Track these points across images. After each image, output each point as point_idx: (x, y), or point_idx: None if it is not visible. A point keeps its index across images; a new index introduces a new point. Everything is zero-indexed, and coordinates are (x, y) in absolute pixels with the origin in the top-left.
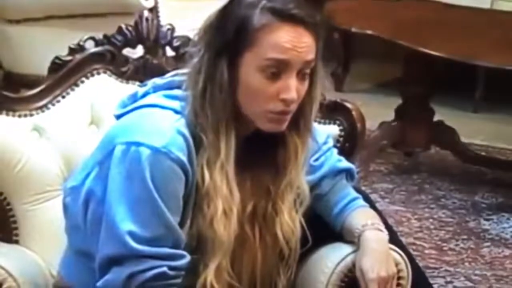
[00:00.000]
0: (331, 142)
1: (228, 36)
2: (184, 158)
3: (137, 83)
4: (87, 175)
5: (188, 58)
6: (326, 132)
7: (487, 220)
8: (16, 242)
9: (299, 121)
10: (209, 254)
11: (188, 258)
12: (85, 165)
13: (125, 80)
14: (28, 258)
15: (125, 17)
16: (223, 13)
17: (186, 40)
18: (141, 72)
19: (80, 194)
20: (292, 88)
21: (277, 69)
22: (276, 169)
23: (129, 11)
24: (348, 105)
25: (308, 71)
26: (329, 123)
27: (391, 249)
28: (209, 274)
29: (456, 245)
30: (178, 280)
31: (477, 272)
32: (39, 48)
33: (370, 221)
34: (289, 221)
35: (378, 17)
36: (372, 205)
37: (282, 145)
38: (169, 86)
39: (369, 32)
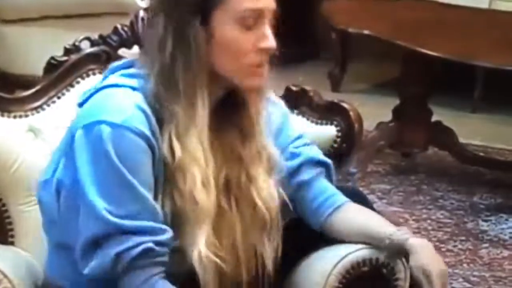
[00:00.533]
0: (306, 139)
1: None
2: (147, 132)
3: None
4: (56, 166)
5: (146, 30)
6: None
7: (486, 221)
8: (12, 243)
9: None
10: (193, 229)
11: (171, 233)
12: (53, 157)
13: None
14: (24, 259)
15: (120, 17)
16: None
17: None
18: None
19: (52, 186)
20: (270, 36)
21: (253, 19)
22: (243, 134)
23: (124, 11)
24: (345, 105)
25: (273, 21)
26: (326, 124)
27: None
28: (202, 247)
29: (454, 246)
30: (165, 258)
31: (475, 273)
32: (35, 48)
33: (391, 227)
34: (265, 187)
35: (375, 17)
36: (370, 206)
37: (243, 108)
38: (127, 66)
39: (366, 32)
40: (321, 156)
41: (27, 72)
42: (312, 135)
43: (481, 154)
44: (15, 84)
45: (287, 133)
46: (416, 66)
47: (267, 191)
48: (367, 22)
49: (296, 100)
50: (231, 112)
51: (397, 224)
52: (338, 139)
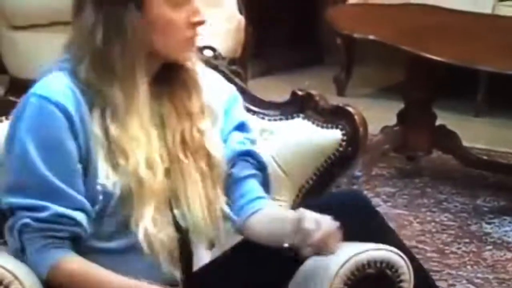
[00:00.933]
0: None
1: None
2: (71, 109)
3: None
4: None
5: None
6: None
7: (489, 223)
8: None
9: None
10: (139, 206)
11: (53, 210)
12: None
13: None
14: None
15: None
16: None
17: None
18: None
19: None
20: (200, 10)
21: None
22: (188, 90)
23: None
24: (351, 109)
25: None
26: (332, 128)
27: (391, 251)
28: (148, 225)
29: (458, 248)
30: (58, 233)
31: (479, 275)
32: (45, 54)
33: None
34: (214, 138)
35: (380, 23)
36: (374, 209)
37: (182, 69)
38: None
39: (371, 37)
40: (263, 157)
41: (37, 77)
42: (318, 138)
43: (485, 157)
44: (25, 89)
45: (233, 116)
46: (420, 71)
47: (216, 141)
48: (372, 28)
49: (302, 104)
50: (172, 73)
51: (401, 226)
52: (343, 143)
